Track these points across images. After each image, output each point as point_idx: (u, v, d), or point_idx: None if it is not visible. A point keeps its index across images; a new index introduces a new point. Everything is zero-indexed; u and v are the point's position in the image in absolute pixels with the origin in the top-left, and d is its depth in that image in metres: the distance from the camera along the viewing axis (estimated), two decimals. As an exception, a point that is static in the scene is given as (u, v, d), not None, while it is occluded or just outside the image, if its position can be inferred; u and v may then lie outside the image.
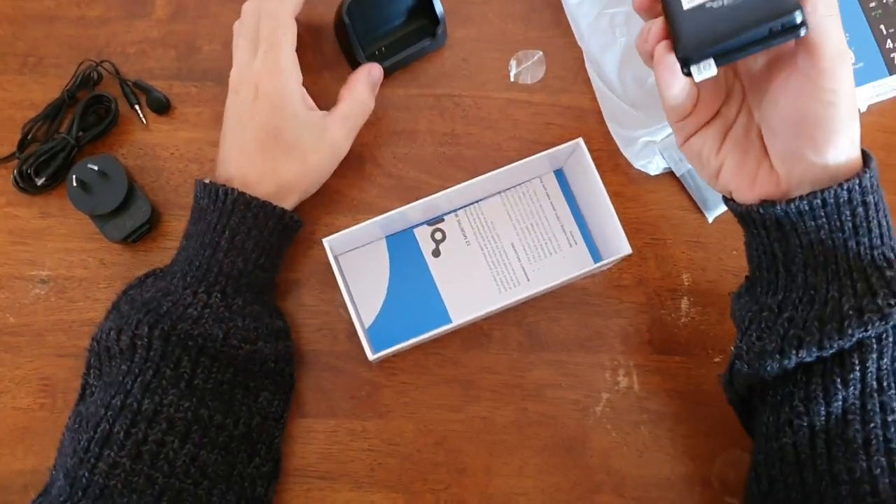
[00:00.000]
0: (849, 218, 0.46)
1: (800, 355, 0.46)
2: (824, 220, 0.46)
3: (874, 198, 0.46)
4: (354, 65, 0.64)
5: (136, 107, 0.63)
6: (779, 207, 0.47)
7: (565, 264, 0.62)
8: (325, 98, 0.61)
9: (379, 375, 0.60)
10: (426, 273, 0.62)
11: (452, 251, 0.62)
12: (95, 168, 0.59)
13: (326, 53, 0.66)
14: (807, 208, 0.46)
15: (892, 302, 0.44)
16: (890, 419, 0.45)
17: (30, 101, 0.63)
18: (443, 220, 0.63)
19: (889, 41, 0.60)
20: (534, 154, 0.59)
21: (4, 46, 0.65)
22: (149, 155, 0.63)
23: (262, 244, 0.56)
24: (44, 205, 0.62)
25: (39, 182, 0.60)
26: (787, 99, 0.45)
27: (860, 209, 0.45)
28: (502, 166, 0.59)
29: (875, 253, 0.46)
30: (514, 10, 0.67)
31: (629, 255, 0.57)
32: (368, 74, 0.62)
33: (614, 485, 0.59)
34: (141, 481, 0.49)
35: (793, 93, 0.44)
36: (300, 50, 0.59)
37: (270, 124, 0.56)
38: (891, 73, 0.59)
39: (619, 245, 0.58)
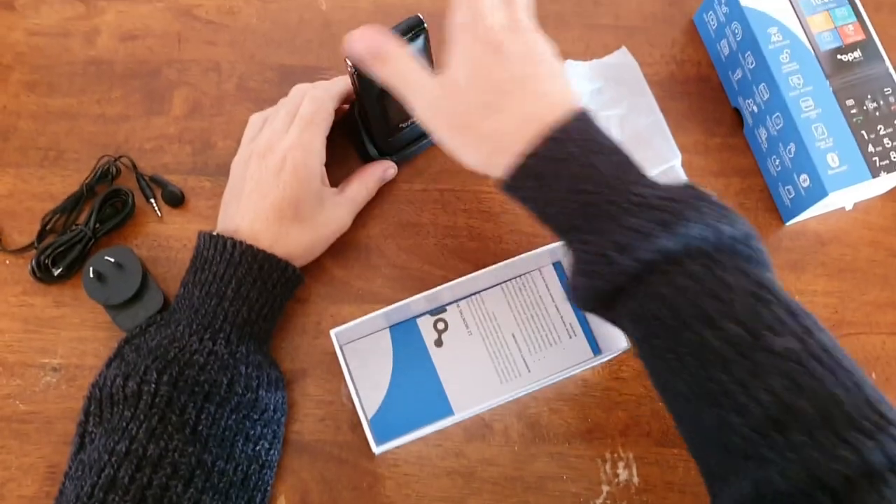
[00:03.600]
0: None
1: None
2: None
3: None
4: (366, 157, 0.67)
5: (152, 200, 0.66)
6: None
7: (565, 356, 0.64)
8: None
9: (381, 467, 0.61)
10: (429, 363, 0.63)
11: (455, 341, 0.64)
12: (112, 260, 0.61)
13: (335, 142, 0.68)
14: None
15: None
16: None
17: (49, 194, 0.66)
18: (445, 310, 0.65)
19: (870, 145, 0.63)
20: (533, 246, 0.62)
21: (27, 141, 0.68)
22: (162, 246, 0.65)
23: (265, 295, 0.58)
24: (58, 294, 0.64)
25: (56, 272, 0.62)
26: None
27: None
28: (503, 258, 0.61)
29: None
30: (515, 111, 0.70)
31: (628, 349, 0.59)
32: (384, 172, 0.67)
33: (615, 578, 0.59)
34: None
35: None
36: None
37: (293, 196, 0.59)
38: (873, 176, 0.62)
39: (617, 338, 0.60)
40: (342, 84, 0.65)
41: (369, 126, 0.64)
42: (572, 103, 0.49)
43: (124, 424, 0.53)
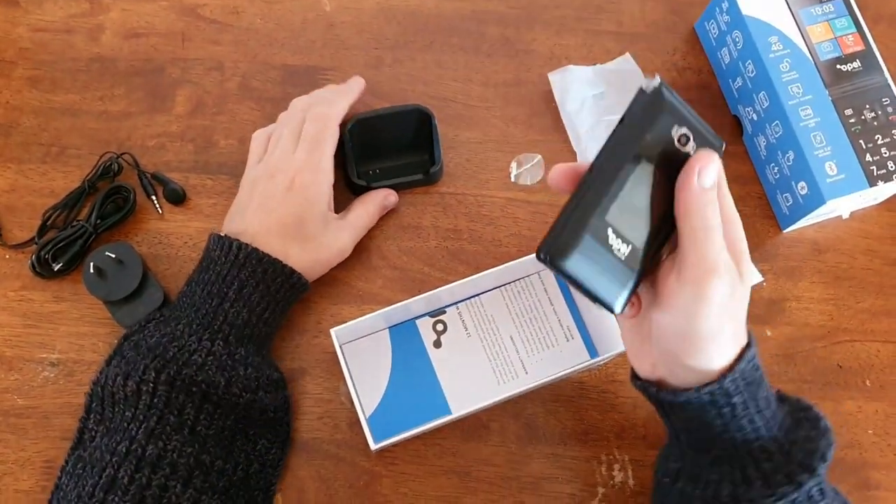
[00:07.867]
0: (716, 416, 0.47)
1: None
2: (694, 413, 0.47)
3: (741, 398, 0.46)
4: (347, 181, 0.67)
5: (153, 197, 0.66)
6: (653, 390, 0.49)
7: (562, 358, 0.64)
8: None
9: (378, 465, 0.61)
10: (427, 363, 0.63)
11: (453, 342, 0.64)
12: (112, 255, 0.61)
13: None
14: (676, 400, 0.47)
15: (768, 493, 0.45)
16: None
17: (50, 190, 0.66)
18: (444, 311, 0.65)
19: (868, 155, 0.64)
20: (532, 250, 0.61)
21: (30, 136, 0.68)
22: (163, 243, 0.66)
23: (267, 298, 0.59)
24: (58, 289, 0.64)
25: (56, 267, 0.62)
26: (665, 306, 0.45)
27: (726, 409, 0.46)
28: (502, 261, 0.61)
29: (753, 446, 0.47)
30: (516, 115, 0.71)
31: (623, 351, 0.59)
32: (385, 199, 0.66)
33: (609, 581, 0.60)
34: None
35: (667, 302, 0.45)
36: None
37: (298, 215, 0.60)
38: (870, 185, 0.63)
39: (614, 341, 0.60)
40: (344, 99, 0.65)
41: (357, 148, 0.64)
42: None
43: (125, 425, 0.53)
